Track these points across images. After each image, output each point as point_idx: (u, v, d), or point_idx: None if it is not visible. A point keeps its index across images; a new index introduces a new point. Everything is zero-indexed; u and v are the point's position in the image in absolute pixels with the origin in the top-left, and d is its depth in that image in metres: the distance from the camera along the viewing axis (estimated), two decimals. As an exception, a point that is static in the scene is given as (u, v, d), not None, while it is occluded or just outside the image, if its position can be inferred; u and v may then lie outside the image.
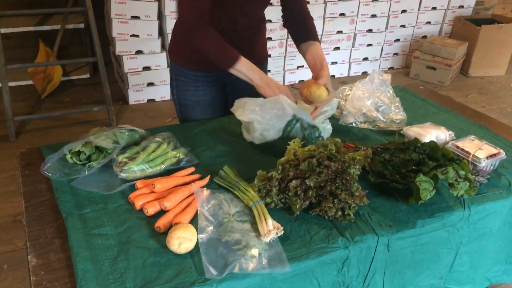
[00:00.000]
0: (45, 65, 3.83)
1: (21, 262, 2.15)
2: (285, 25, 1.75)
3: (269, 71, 4.21)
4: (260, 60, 1.80)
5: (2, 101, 3.12)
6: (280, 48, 4.15)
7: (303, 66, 4.37)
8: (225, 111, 1.85)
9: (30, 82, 3.98)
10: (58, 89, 3.93)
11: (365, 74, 4.67)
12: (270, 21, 3.77)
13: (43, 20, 3.92)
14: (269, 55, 4.13)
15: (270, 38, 4.04)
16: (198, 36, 1.48)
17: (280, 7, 1.73)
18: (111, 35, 3.67)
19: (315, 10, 4.12)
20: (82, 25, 3.97)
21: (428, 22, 4.78)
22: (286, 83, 4.36)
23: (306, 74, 4.41)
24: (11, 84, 3.46)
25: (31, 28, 3.81)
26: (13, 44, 4.12)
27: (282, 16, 1.74)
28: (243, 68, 1.49)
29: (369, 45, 4.56)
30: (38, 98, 3.84)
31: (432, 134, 1.48)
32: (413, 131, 1.51)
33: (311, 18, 1.71)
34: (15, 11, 3.70)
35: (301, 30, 1.69)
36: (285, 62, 4.27)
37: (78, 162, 1.35)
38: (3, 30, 3.34)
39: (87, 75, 4.28)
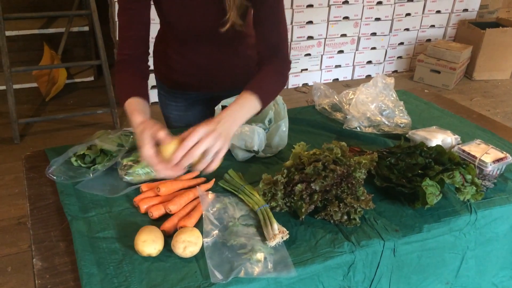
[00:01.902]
0: (50, 68, 3.85)
1: (25, 265, 2.15)
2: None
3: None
4: (245, 82, 1.30)
5: (7, 104, 3.13)
6: (284, 51, 4.15)
7: (306, 69, 4.37)
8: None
9: (34, 84, 4.00)
10: (63, 92, 3.94)
11: (369, 77, 4.67)
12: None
13: (48, 23, 3.94)
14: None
15: (274, 41, 4.04)
16: (119, 72, 1.35)
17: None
18: (115, 38, 3.68)
19: (319, 13, 4.13)
20: (86, 28, 3.99)
21: (432, 26, 4.78)
22: (290, 87, 4.36)
23: (310, 77, 4.42)
24: (15, 86, 3.47)
25: (36, 31, 3.83)
26: (18, 46, 4.15)
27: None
28: (127, 112, 1.23)
29: (373, 48, 4.56)
30: (43, 101, 3.85)
31: (438, 138, 1.47)
32: (418, 135, 1.50)
33: (288, 63, 1.38)
34: (20, 14, 3.73)
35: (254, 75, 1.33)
36: (289, 65, 4.27)
37: (83, 165, 1.35)
38: (8, 33, 3.35)
39: (91, 78, 4.30)
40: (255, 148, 1.41)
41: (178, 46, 1.51)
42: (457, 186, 1.22)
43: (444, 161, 1.28)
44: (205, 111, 1.73)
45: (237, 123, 1.16)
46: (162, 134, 1.07)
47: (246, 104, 1.20)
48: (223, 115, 1.13)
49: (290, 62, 1.40)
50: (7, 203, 2.58)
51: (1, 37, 3.04)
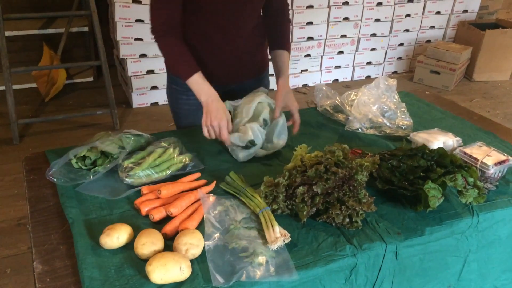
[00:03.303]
0: (49, 68, 3.84)
1: (24, 266, 2.14)
2: (263, 21, 1.68)
3: (272, 75, 4.20)
4: (259, 71, 1.77)
5: (6, 104, 3.12)
6: (284, 52, 4.14)
7: (306, 70, 4.37)
8: None
9: (34, 85, 3.99)
10: (62, 92, 3.93)
11: (369, 78, 4.66)
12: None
13: (47, 23, 3.93)
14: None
15: (274, 42, 4.03)
16: (159, 41, 1.48)
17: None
18: (115, 39, 3.67)
19: (319, 14, 4.12)
20: (86, 29, 3.98)
21: (432, 27, 4.78)
22: (289, 87, 4.34)
23: (310, 78, 4.41)
24: (15, 87, 3.46)
25: (35, 31, 3.82)
26: (17, 47, 4.13)
27: (262, 13, 1.68)
28: (193, 87, 1.46)
29: (373, 49, 4.56)
30: (42, 101, 3.84)
31: (440, 140, 1.47)
32: (420, 137, 1.50)
33: (288, 22, 1.70)
34: (20, 14, 3.71)
35: (276, 35, 1.67)
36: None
37: (83, 167, 1.34)
38: (7, 33, 3.34)
39: (91, 78, 4.29)
40: (252, 138, 1.42)
41: (202, 34, 1.55)
42: (459, 189, 1.21)
43: (446, 163, 1.27)
44: None
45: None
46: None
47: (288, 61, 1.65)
48: (289, 89, 1.59)
49: (290, 22, 1.73)
50: (7, 204, 2.57)
51: (1, 38, 3.03)
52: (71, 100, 3.92)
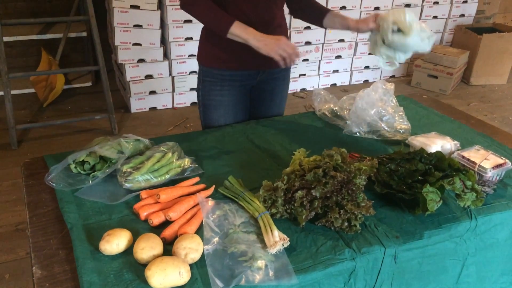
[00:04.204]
0: (48, 74, 3.84)
1: (23, 272, 2.14)
2: (296, 15, 1.84)
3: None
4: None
5: (5, 109, 3.12)
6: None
7: (304, 74, 4.38)
8: (247, 115, 1.87)
9: (32, 90, 3.99)
10: (60, 97, 3.93)
11: (366, 82, 4.68)
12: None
13: (45, 28, 3.94)
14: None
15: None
16: (192, 4, 1.58)
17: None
18: (113, 44, 3.68)
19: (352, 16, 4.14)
20: (84, 34, 3.99)
21: (430, 31, 4.80)
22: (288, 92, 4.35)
23: (308, 82, 4.42)
24: (13, 92, 3.47)
25: (34, 37, 3.82)
26: (16, 52, 4.14)
27: (289, 7, 1.83)
28: (237, 31, 1.54)
29: (371, 53, 4.57)
30: (40, 106, 3.84)
31: (438, 144, 1.47)
32: (418, 141, 1.50)
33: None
34: (18, 20, 3.72)
35: (315, 11, 1.80)
36: (287, 71, 4.27)
37: (82, 172, 1.34)
38: (6, 39, 3.35)
39: (89, 83, 4.29)
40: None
41: (244, 22, 1.60)
42: (458, 192, 1.22)
43: (444, 167, 1.28)
44: (244, 100, 1.83)
45: None
46: None
47: None
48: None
49: None
50: (5, 210, 2.56)
51: (-1, 43, 3.03)
52: (69, 105, 3.92)
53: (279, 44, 1.52)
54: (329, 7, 4.12)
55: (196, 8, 1.58)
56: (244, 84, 1.79)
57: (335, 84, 4.58)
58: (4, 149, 3.19)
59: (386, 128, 1.65)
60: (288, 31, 4.07)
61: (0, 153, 3.15)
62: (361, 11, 4.28)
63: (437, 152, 1.32)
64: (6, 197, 2.68)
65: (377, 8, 4.35)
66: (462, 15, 4.89)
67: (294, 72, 4.31)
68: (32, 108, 3.82)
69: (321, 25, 1.78)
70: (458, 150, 1.49)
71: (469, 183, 1.23)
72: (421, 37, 1.52)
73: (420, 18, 4.65)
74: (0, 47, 3.03)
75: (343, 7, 4.19)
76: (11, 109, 3.12)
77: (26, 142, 3.31)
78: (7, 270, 2.14)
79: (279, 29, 1.73)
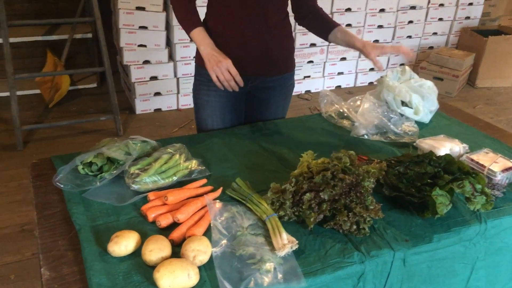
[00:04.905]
0: (53, 75, 3.85)
1: (28, 273, 2.14)
2: (301, 23, 1.80)
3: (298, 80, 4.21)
4: (285, 69, 1.80)
5: (10, 110, 3.13)
6: (287, 58, 4.15)
7: (309, 76, 4.37)
8: (240, 120, 1.84)
9: (37, 91, 4.00)
10: (66, 98, 3.94)
11: (371, 84, 4.66)
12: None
13: (51, 30, 3.95)
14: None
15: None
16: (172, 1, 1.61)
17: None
18: (118, 45, 3.69)
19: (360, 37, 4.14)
20: (90, 35, 3.99)
21: (435, 33, 4.79)
22: (292, 94, 4.35)
23: (313, 84, 4.42)
24: (19, 93, 3.47)
25: (39, 38, 3.83)
26: (21, 53, 4.15)
27: (295, 14, 1.79)
28: (195, 36, 1.58)
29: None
30: (46, 107, 3.85)
31: (446, 147, 1.46)
32: (426, 144, 1.50)
33: (322, 9, 1.78)
34: (24, 21, 3.73)
35: (322, 23, 1.76)
36: (291, 72, 4.27)
37: (89, 173, 1.34)
38: (11, 40, 3.35)
39: (95, 85, 4.30)
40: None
41: (230, 23, 1.61)
42: (467, 195, 1.21)
43: (453, 170, 1.27)
44: (233, 103, 1.78)
45: None
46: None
47: None
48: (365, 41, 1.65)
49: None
50: (11, 210, 2.57)
51: (5, 44, 3.04)
52: (74, 106, 3.93)
53: (220, 65, 1.52)
54: (334, 8, 4.13)
55: (174, 2, 1.62)
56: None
57: (340, 86, 4.57)
58: (10, 150, 3.20)
59: (394, 130, 1.65)
60: (293, 33, 4.08)
61: (5, 154, 3.16)
62: (366, 13, 4.28)
63: (446, 155, 1.31)
64: (11, 198, 2.68)
65: (382, 11, 4.34)
66: (468, 17, 4.88)
67: (299, 74, 4.30)
68: (37, 109, 3.83)
69: (325, 38, 1.75)
70: (467, 153, 1.48)
71: (479, 186, 1.22)
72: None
73: (425, 20, 4.64)
74: (6, 48, 3.04)
75: (348, 9, 4.18)
76: (17, 110, 3.12)
77: (31, 143, 3.31)
78: (12, 271, 2.14)
79: (276, 30, 1.66)
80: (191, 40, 1.61)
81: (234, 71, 1.53)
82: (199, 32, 1.57)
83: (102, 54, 3.26)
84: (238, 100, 1.78)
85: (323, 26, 1.74)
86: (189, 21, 1.59)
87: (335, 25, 1.72)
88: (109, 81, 3.33)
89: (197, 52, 1.73)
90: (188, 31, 1.59)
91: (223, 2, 1.58)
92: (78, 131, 3.50)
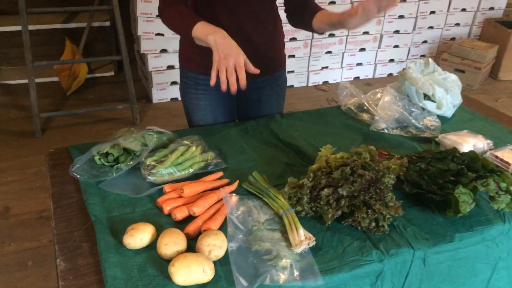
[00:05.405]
0: (71, 63, 3.87)
1: (45, 259, 2.16)
2: (292, 23, 1.65)
3: (293, 71, 4.17)
4: (274, 68, 1.71)
5: (29, 97, 3.16)
6: (305, 48, 4.11)
7: (327, 67, 4.31)
8: (233, 117, 1.79)
9: (55, 78, 4.03)
10: (83, 86, 3.97)
11: (391, 76, 4.58)
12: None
13: (69, 17, 3.96)
14: (293, 56, 4.09)
15: (294, 39, 4.00)
16: (162, 15, 1.44)
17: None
18: (136, 34, 3.68)
19: (340, 10, 4.05)
20: (107, 23, 4.00)
21: (457, 24, 4.67)
22: (310, 84, 4.31)
23: (330, 75, 4.36)
24: (37, 80, 3.50)
25: (58, 26, 3.85)
26: (40, 41, 4.18)
27: (286, 16, 1.65)
28: (198, 32, 1.32)
29: (396, 46, 4.48)
30: (64, 95, 3.88)
31: (470, 143, 1.42)
32: (449, 139, 1.45)
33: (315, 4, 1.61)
34: (43, 9, 3.75)
35: (306, 12, 1.56)
36: (309, 63, 4.22)
37: (106, 164, 1.33)
38: (30, 27, 3.37)
39: (112, 73, 4.31)
40: None
41: (211, 19, 1.45)
42: (492, 194, 1.17)
43: (477, 167, 1.23)
44: (224, 104, 1.71)
45: None
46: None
47: None
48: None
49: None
50: (28, 197, 2.60)
51: (24, 32, 3.06)
52: (92, 94, 3.95)
53: (228, 59, 1.24)
54: (316, 1, 3.95)
55: (167, 11, 1.43)
56: (218, 90, 1.66)
57: (358, 77, 4.50)
58: (28, 137, 3.24)
59: (416, 125, 1.60)
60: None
61: (24, 141, 3.20)
62: (352, 3, 4.12)
63: (471, 151, 1.27)
64: (30, 185, 2.71)
65: (403, 1, 4.24)
66: (492, 8, 4.74)
67: (316, 64, 4.25)
68: (55, 97, 3.86)
69: (312, 29, 1.58)
70: (491, 149, 1.43)
71: (503, 185, 1.18)
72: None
73: (448, 10, 4.53)
74: (25, 36, 3.06)
75: (332, 2, 4.05)
76: (35, 97, 3.15)
77: (49, 130, 3.35)
78: (30, 257, 2.17)
79: (263, 31, 1.57)
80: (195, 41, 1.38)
81: (240, 70, 1.26)
82: (203, 24, 1.33)
83: (120, 43, 3.26)
84: (229, 100, 1.72)
85: (308, 14, 1.57)
86: (189, 22, 1.37)
87: (318, 9, 1.56)
88: (126, 69, 3.33)
89: (181, 51, 1.68)
90: (189, 32, 1.35)
91: (208, 7, 1.48)
92: (95, 119, 3.52)
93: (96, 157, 1.33)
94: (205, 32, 1.30)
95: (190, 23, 1.35)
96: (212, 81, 1.28)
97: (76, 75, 3.87)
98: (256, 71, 1.31)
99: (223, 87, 1.27)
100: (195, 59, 1.61)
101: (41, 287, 2.03)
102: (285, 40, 1.76)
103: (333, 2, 4.03)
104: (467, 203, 1.14)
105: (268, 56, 1.65)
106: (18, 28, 3.37)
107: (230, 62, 1.24)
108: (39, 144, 3.16)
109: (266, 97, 1.74)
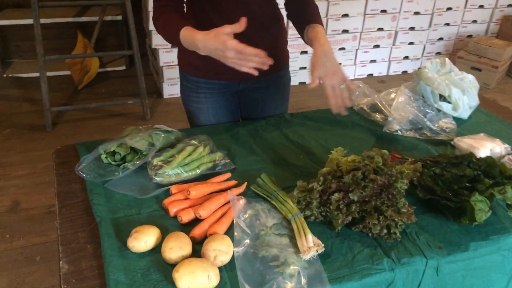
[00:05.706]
0: (83, 57, 3.87)
1: (53, 255, 2.16)
2: (289, 16, 1.56)
3: (305, 68, 4.12)
4: (275, 67, 1.53)
5: (40, 91, 3.16)
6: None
7: (340, 63, 4.24)
8: (236, 118, 1.75)
9: (67, 72, 4.04)
10: (95, 80, 3.97)
11: (405, 73, 4.51)
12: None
13: (81, 11, 3.96)
14: (306, 52, 4.04)
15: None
16: (155, 22, 1.41)
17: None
18: (147, 28, 3.66)
19: (355, 6, 4.00)
20: (119, 17, 3.99)
21: (474, 21, 4.57)
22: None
23: (343, 72, 4.30)
24: (49, 74, 3.50)
25: (70, 19, 3.85)
26: (52, 34, 4.19)
27: (286, 9, 1.57)
28: (185, 40, 1.29)
29: (411, 43, 4.40)
30: (75, 89, 3.88)
31: (487, 147, 1.37)
32: (465, 143, 1.41)
33: (314, 3, 1.52)
34: (55, 2, 3.75)
35: (303, 16, 1.47)
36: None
37: (112, 163, 1.31)
38: (42, 21, 3.37)
39: (123, 67, 4.31)
40: None
41: (207, 22, 1.43)
42: (509, 202, 1.13)
43: (494, 174, 1.18)
44: (227, 107, 1.68)
45: None
46: (228, 29, 1.18)
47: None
48: (329, 51, 1.32)
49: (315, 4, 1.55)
50: (38, 192, 2.60)
51: (36, 25, 3.06)
52: (103, 88, 3.95)
53: (227, 56, 1.20)
54: (329, 15, 3.91)
55: (158, 23, 1.40)
56: (223, 92, 1.63)
57: (372, 74, 4.44)
58: (39, 131, 3.24)
59: (430, 127, 1.56)
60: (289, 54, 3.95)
61: (35, 135, 3.20)
62: (364, 16, 4.06)
63: (488, 157, 1.22)
64: (40, 179, 2.72)
65: (384, 12, 4.13)
66: (510, 5, 4.63)
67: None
68: (67, 91, 3.86)
69: (301, 36, 1.49)
70: (509, 154, 1.38)
71: (522, 192, 1.13)
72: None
73: (465, 7, 4.43)
74: (37, 29, 3.06)
75: (346, 15, 3.98)
76: (46, 91, 3.15)
77: (60, 125, 3.35)
78: (38, 253, 2.18)
79: (264, 31, 1.52)
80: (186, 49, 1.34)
81: (243, 49, 1.18)
82: (185, 33, 1.28)
83: (131, 37, 3.25)
84: (231, 101, 1.68)
85: (301, 20, 1.48)
86: (176, 30, 1.31)
87: (310, 22, 1.43)
88: (138, 64, 3.31)
89: (180, 55, 1.64)
90: (178, 42, 1.32)
91: (202, 10, 1.45)
92: (106, 114, 3.52)
93: (103, 156, 1.31)
94: (193, 46, 1.28)
95: (175, 35, 1.31)
96: (253, 72, 1.23)
97: (88, 69, 3.87)
98: (260, 53, 1.22)
99: (255, 72, 1.23)
100: (194, 63, 1.57)
101: (49, 283, 2.03)
102: (297, 36, 1.71)
103: (346, 15, 3.98)
104: (483, 211, 1.10)
105: (270, 55, 1.58)
106: (30, 21, 3.37)
107: (232, 57, 1.20)
108: (49, 138, 3.17)
109: (270, 96, 1.70)
